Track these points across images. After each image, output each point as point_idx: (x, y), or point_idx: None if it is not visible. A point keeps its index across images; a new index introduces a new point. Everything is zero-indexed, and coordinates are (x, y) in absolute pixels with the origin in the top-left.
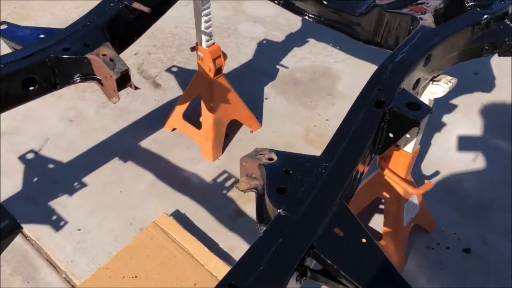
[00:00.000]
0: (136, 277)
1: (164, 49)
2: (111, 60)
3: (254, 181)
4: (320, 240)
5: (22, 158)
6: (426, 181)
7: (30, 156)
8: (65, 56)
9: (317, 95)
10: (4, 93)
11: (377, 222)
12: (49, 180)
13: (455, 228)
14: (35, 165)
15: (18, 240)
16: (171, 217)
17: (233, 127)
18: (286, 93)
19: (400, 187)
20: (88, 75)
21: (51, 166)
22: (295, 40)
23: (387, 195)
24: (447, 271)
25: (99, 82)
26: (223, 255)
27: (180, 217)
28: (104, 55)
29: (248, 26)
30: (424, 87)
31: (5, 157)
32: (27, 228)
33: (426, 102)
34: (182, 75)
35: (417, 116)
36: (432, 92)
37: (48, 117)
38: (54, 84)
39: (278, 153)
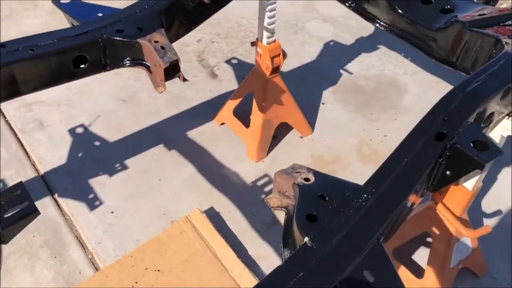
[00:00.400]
0: (158, 271)
1: (228, 39)
2: (162, 48)
3: (286, 199)
4: (346, 282)
5: (71, 131)
6: (484, 225)
7: (79, 130)
8: (117, 39)
9: (379, 107)
10: (55, 68)
11: (422, 256)
12: (93, 158)
13: (509, 278)
14: (82, 140)
15: (54, 212)
16: (204, 214)
17: (282, 129)
18: (346, 100)
19: (453, 226)
20: (138, 60)
21: (97, 143)
22: (364, 45)
23: (437, 232)
24: None
25: (148, 69)
26: (250, 263)
27: (213, 216)
28: (156, 41)
29: (317, 24)
30: (497, 122)
31: (57, 128)
32: (64, 202)
33: (497, 138)
34: (241, 69)
35: (482, 158)
36: (507, 128)
37: (103, 93)
38: (104, 65)
39: (316, 174)
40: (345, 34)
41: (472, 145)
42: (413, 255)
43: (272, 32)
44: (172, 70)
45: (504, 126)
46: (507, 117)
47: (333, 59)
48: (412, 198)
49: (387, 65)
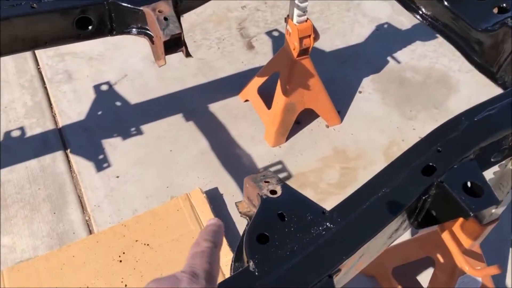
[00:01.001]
0: (148, 245)
1: (274, 8)
2: (165, 19)
3: (253, 208)
4: None
5: (96, 88)
6: (494, 265)
7: (104, 88)
8: (122, 4)
9: (421, 104)
10: (57, 27)
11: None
12: (111, 118)
13: None
14: (105, 98)
15: (62, 168)
16: (204, 194)
17: (308, 116)
18: (386, 92)
19: (457, 259)
20: (143, 29)
21: (118, 103)
22: (421, 32)
23: (440, 260)
24: None
25: (151, 39)
26: None
27: (216, 197)
28: (160, 11)
29: (374, 3)
30: None
31: (84, 82)
32: (74, 159)
33: None
34: (281, 42)
35: (470, 206)
36: None
37: (136, 52)
38: (110, 29)
39: (284, 188)
40: (402, 17)
41: (462, 188)
42: (417, 275)
43: (303, 11)
44: (175, 43)
45: None
46: None
47: (383, 44)
48: (385, 234)
49: (441, 58)
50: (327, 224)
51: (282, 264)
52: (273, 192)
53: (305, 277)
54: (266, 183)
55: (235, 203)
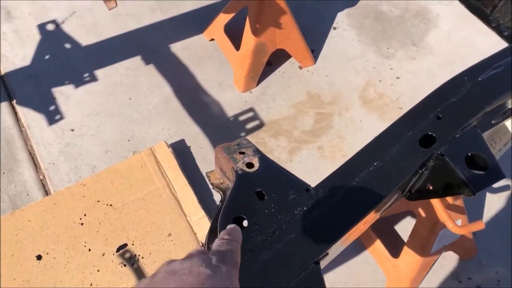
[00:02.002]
0: (110, 205)
1: None
2: None
3: (226, 180)
4: None
5: (41, 27)
6: (477, 221)
7: (50, 27)
8: None
9: (398, 41)
10: None
11: (407, 227)
12: (60, 62)
13: (499, 267)
14: (52, 39)
15: (9, 121)
16: (170, 148)
17: (280, 57)
18: (362, 28)
19: (440, 216)
20: None
21: (67, 46)
22: None
23: (422, 214)
24: None
25: None
26: (212, 211)
27: (183, 150)
28: None
29: None
30: None
31: (26, 22)
32: (21, 111)
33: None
34: None
35: (474, 183)
36: None
37: None
38: None
39: (262, 160)
40: None
41: (465, 161)
42: (396, 224)
43: None
44: None
45: None
46: None
47: None
48: (377, 209)
49: None
50: (312, 203)
51: (262, 251)
52: (249, 165)
53: (289, 266)
54: (241, 155)
55: (206, 173)
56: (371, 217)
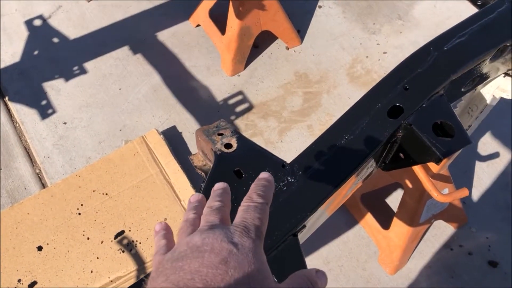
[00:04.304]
0: (106, 194)
1: None
2: None
3: (208, 162)
4: None
5: (28, 23)
6: (461, 189)
7: (37, 22)
8: None
9: (384, 15)
10: None
11: (397, 199)
12: (49, 57)
13: (489, 233)
14: (40, 35)
15: (3, 118)
16: (161, 135)
17: (266, 38)
18: (347, 4)
19: (425, 185)
20: None
21: (55, 40)
22: None
23: (408, 185)
24: (459, 282)
25: None
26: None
27: (174, 136)
28: None
29: None
30: (487, 82)
31: (13, 18)
32: (14, 107)
33: (488, 98)
34: None
35: (441, 149)
36: (502, 88)
37: None
38: None
39: (240, 139)
40: None
41: (432, 130)
42: (387, 197)
43: None
44: None
45: (498, 86)
46: (503, 75)
47: None
48: (350, 181)
49: None
50: (288, 178)
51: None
52: (228, 145)
53: (267, 239)
54: (220, 136)
55: (189, 157)
56: (349, 186)
